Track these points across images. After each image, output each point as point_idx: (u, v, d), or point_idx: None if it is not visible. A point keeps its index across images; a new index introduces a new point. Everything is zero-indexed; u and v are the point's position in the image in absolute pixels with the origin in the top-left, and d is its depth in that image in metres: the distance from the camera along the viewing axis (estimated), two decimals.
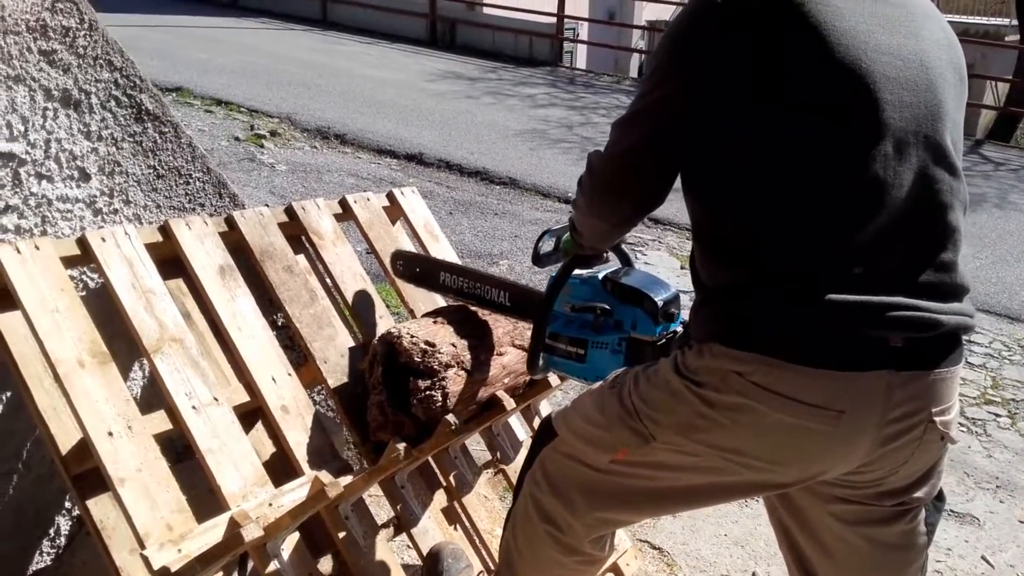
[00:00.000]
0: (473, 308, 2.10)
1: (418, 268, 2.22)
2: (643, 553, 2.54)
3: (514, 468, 2.29)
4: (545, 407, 2.50)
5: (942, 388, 1.26)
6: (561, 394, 3.27)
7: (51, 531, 1.96)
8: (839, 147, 1.22)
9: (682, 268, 5.20)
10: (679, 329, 1.63)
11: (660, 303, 1.61)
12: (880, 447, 1.26)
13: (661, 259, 5.36)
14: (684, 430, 1.32)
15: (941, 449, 1.33)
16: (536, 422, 2.45)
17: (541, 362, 1.81)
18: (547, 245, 1.83)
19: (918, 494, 1.37)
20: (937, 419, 1.26)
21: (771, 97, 1.23)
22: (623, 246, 1.87)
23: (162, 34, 10.86)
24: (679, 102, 1.29)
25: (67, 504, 1.97)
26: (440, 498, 2.11)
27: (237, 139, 6.61)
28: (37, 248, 1.71)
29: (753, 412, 1.24)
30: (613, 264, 1.80)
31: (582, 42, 16.04)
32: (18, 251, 1.67)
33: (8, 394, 1.83)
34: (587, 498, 1.49)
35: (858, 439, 1.24)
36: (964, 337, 1.31)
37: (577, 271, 1.74)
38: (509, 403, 2.09)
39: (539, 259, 1.85)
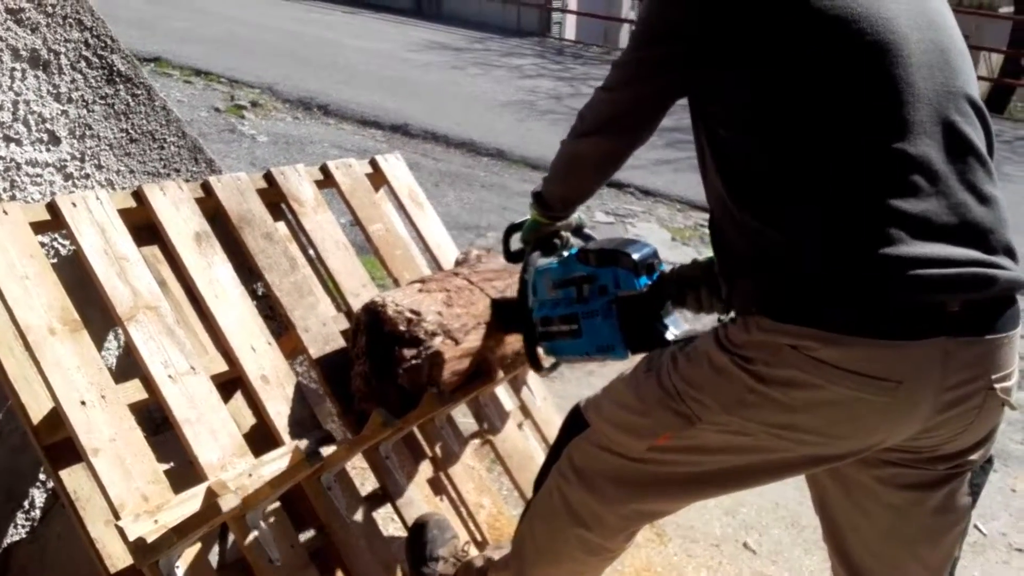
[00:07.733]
0: (461, 276, 2.05)
1: None
2: None
3: (501, 438, 2.25)
4: (533, 377, 2.46)
5: (1000, 354, 1.22)
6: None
7: (25, 503, 1.91)
8: (862, 97, 1.21)
9: (673, 240, 5.16)
10: (664, 269, 1.63)
11: (637, 257, 1.60)
12: (938, 415, 1.22)
13: (651, 231, 5.31)
14: (732, 408, 1.26)
15: (1000, 414, 1.29)
16: (524, 392, 2.41)
17: (543, 357, 1.81)
18: (515, 241, 1.85)
19: (972, 457, 1.32)
20: (997, 386, 1.22)
21: (785, 45, 1.22)
22: (584, 228, 1.86)
23: (140, 2, 10.65)
24: (677, 57, 1.32)
25: (41, 476, 1.92)
26: (426, 469, 2.07)
27: (217, 110, 6.49)
28: (5, 213, 1.64)
29: (809, 386, 1.19)
30: (579, 245, 1.79)
31: (571, 12, 15.86)
32: None
33: None
34: (623, 490, 1.43)
35: (916, 408, 1.20)
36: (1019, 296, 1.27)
37: (549, 258, 1.76)
38: (497, 373, 2.05)
39: (510, 256, 1.90)
